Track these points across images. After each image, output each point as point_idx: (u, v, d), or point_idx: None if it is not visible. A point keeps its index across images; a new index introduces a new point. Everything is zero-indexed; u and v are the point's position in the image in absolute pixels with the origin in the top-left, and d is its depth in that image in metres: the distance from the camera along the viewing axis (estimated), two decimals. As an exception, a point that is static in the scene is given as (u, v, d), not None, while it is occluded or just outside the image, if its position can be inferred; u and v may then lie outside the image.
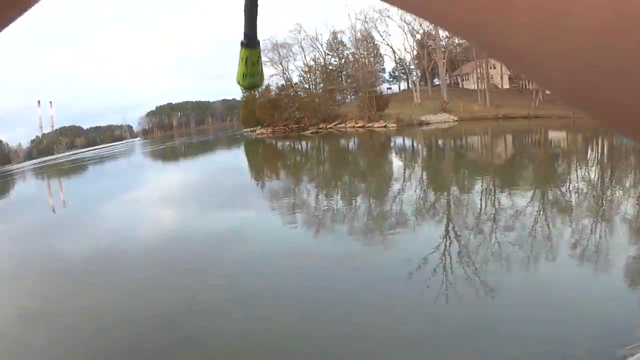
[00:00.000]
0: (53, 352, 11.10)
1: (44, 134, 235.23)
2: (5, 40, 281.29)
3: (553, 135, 48.47)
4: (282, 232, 20.02)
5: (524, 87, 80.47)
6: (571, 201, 20.26)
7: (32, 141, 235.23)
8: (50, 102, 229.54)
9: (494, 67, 79.37)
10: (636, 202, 19.09)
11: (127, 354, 10.42)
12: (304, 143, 69.94)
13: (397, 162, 40.62)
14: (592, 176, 26.05)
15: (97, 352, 10.83)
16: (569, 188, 22.77)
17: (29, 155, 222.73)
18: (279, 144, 75.33)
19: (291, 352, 9.73)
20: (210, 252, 18.18)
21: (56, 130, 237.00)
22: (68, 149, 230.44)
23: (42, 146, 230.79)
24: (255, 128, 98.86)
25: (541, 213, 18.08)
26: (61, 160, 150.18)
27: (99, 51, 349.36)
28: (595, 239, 14.45)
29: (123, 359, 10.34)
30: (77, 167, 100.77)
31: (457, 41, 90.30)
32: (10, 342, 12.15)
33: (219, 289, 13.62)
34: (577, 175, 26.57)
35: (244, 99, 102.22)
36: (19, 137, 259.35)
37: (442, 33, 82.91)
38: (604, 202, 19.88)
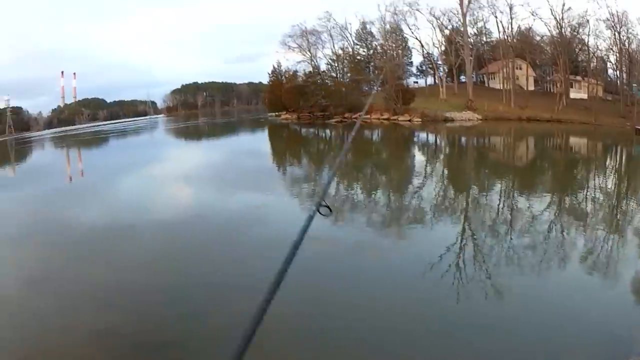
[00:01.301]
0: (55, 318, 11.71)
1: (65, 104, 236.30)
2: (31, 11, 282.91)
3: (574, 140, 48.61)
4: (299, 217, 20.16)
5: (548, 90, 79.75)
6: (587, 209, 20.56)
7: (54, 110, 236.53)
8: (74, 74, 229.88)
9: (520, 68, 78.26)
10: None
11: (129, 325, 10.99)
12: (327, 131, 70.36)
13: (419, 157, 41.08)
14: (609, 185, 26.47)
15: (100, 320, 11.34)
16: (585, 195, 23.11)
17: (49, 124, 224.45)
18: (303, 130, 75.67)
19: (300, 338, 10.15)
20: (225, 233, 18.70)
21: (78, 101, 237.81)
22: (90, 120, 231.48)
23: (63, 116, 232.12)
24: (280, 113, 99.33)
25: (556, 219, 18.40)
26: (82, 132, 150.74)
27: (125, 26, 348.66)
28: (607, 248, 14.71)
29: (125, 329, 10.82)
30: (97, 139, 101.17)
31: (484, 39, 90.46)
32: (14, 307, 12.72)
33: (230, 270, 14.07)
34: (594, 182, 27.01)
35: (270, 83, 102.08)
36: (40, 106, 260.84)
37: (471, 30, 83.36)
38: (619, 212, 20.26)
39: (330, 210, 3.07)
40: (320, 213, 3.03)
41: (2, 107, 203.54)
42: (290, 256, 2.41)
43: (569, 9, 66.07)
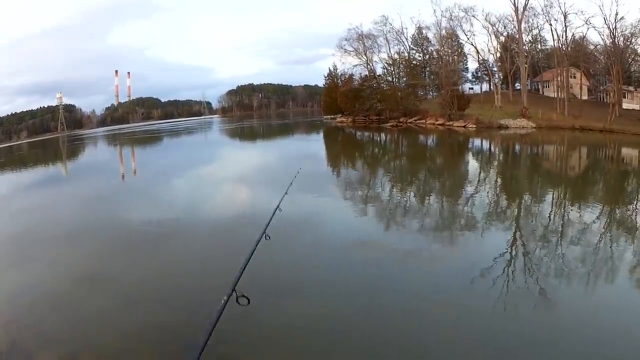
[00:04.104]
0: (105, 315, 12.24)
1: (119, 103, 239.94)
2: (86, 7, 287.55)
3: (626, 151, 48.53)
4: (351, 222, 21.06)
5: (601, 99, 79.28)
6: (638, 221, 20.78)
7: (107, 109, 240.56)
8: (128, 73, 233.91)
9: (574, 77, 78.23)
10: None
11: (180, 323, 11.36)
12: (383, 135, 71.30)
13: (473, 164, 41.77)
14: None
15: (150, 317, 12.07)
16: (636, 207, 23.37)
17: (103, 122, 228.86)
18: (358, 133, 76.87)
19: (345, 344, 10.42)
20: (276, 234, 18.76)
21: (132, 100, 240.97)
22: (144, 119, 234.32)
23: (116, 114, 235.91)
24: (335, 115, 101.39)
25: (607, 230, 18.72)
26: (135, 130, 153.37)
27: (181, 25, 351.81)
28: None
29: (176, 327, 11.27)
30: (150, 138, 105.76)
31: (539, 47, 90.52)
32: (65, 304, 13.39)
33: (281, 273, 14.18)
34: None
35: (326, 85, 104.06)
36: (94, 105, 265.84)
37: (526, 37, 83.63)
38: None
39: (249, 302, 3.53)
40: (238, 303, 3.48)
41: (54, 104, 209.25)
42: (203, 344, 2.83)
43: (622, 18, 65.74)
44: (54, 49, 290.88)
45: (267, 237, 6.22)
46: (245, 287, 4.09)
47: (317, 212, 22.81)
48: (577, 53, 74.33)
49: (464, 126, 71.42)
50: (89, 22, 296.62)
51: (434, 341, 10.48)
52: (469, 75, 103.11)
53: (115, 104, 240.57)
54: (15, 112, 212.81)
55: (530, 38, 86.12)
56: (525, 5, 75.60)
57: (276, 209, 9.40)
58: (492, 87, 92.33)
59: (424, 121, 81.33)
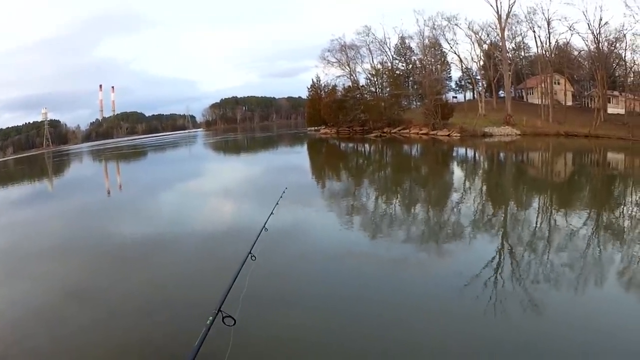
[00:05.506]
0: (93, 330, 12.10)
1: (104, 118, 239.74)
2: (72, 22, 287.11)
3: (611, 156, 48.52)
4: (337, 233, 20.59)
5: (586, 105, 79.59)
6: (624, 225, 20.45)
7: (92, 124, 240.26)
8: (112, 87, 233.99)
9: (558, 83, 78.53)
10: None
11: (166, 337, 11.30)
12: (367, 146, 70.76)
13: (458, 173, 41.19)
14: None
15: (137, 331, 11.94)
16: (622, 212, 22.97)
17: (88, 137, 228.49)
18: (342, 144, 76.35)
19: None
20: (264, 248, 18.06)
21: (117, 115, 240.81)
22: (128, 134, 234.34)
23: (101, 129, 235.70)
24: (319, 127, 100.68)
25: (594, 235, 18.47)
26: (120, 145, 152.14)
27: (166, 39, 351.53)
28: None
29: (162, 341, 11.19)
30: (135, 153, 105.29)
31: (523, 54, 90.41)
32: (53, 319, 13.14)
33: (269, 286, 13.40)
34: (631, 199, 26.77)
35: (309, 97, 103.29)
36: (79, 119, 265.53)
37: (509, 44, 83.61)
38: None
39: (235, 322, 3.46)
40: (224, 323, 3.38)
41: (40, 120, 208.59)
42: None
43: (606, 23, 66.01)
44: (39, 63, 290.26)
45: (253, 258, 5.49)
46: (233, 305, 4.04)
47: (303, 226, 22.27)
48: (561, 59, 74.69)
49: (448, 135, 70.97)
50: (74, 35, 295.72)
51: (427, 348, 10.39)
52: (453, 84, 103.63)
53: (100, 118, 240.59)
54: (1, 128, 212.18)
55: (514, 45, 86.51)
56: (509, 12, 75.96)
57: (262, 228, 9.36)
58: (475, 95, 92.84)
59: (408, 131, 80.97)
